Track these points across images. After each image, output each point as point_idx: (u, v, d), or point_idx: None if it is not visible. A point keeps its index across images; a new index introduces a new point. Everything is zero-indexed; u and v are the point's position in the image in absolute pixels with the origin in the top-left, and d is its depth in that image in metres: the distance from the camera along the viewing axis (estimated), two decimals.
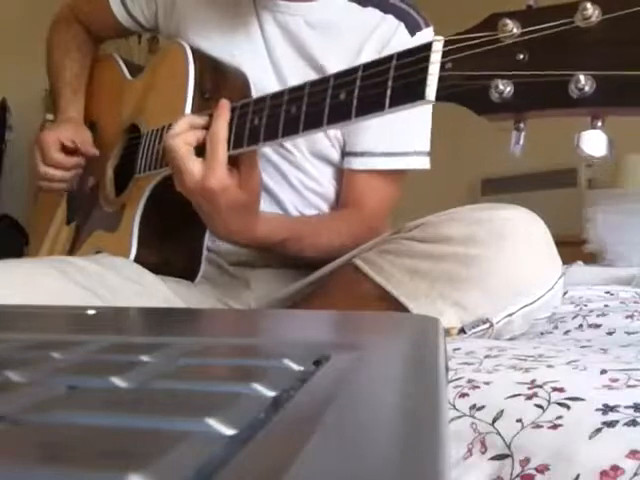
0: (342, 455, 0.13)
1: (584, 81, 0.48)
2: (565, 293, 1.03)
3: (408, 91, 0.59)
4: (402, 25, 0.98)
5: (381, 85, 0.61)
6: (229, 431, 0.14)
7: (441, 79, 0.56)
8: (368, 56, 0.97)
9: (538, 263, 0.78)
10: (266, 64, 0.99)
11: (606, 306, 0.99)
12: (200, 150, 0.77)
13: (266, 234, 0.86)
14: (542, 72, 0.51)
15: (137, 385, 0.18)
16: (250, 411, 0.15)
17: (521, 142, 0.54)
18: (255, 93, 0.94)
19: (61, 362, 0.21)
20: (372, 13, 0.99)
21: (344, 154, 1.00)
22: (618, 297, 1.10)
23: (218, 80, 0.94)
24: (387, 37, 0.98)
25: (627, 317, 0.89)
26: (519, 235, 0.77)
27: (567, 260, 1.12)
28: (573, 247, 1.89)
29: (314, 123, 0.67)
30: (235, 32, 1.00)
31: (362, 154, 0.98)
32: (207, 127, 0.77)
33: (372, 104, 0.62)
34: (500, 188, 2.92)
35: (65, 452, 0.12)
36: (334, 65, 0.97)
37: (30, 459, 0.12)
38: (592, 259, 1.99)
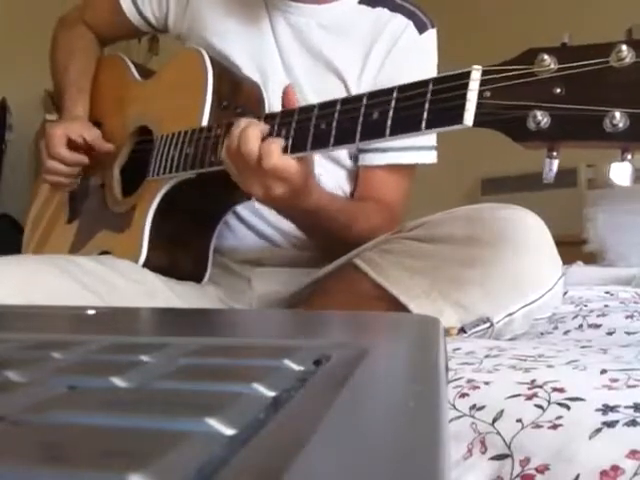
0: (342, 455, 0.13)
1: (619, 117, 0.52)
2: (565, 293, 1.03)
3: (446, 115, 0.62)
4: (411, 23, 1.00)
5: (418, 107, 0.64)
6: (229, 431, 0.14)
7: (479, 106, 0.60)
8: (379, 55, 0.99)
9: (538, 263, 0.78)
10: (277, 64, 1.00)
11: (606, 306, 0.99)
12: None
13: (317, 201, 0.83)
14: (580, 106, 0.54)
15: (137, 385, 0.18)
16: (250, 411, 0.15)
17: (554, 169, 0.58)
18: (267, 94, 0.95)
19: (61, 362, 0.21)
20: (381, 13, 1.01)
21: (359, 150, 1.01)
22: (618, 297, 1.10)
23: (234, 89, 0.95)
24: (396, 35, 0.99)
25: (627, 317, 0.89)
26: (519, 235, 0.77)
27: (567, 260, 1.12)
28: (573, 247, 1.89)
29: (346, 139, 0.70)
30: (247, 31, 1.01)
31: (376, 150, 0.99)
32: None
33: (408, 125, 0.65)
34: (500, 188, 2.92)
35: (65, 452, 0.12)
36: (345, 65, 0.98)
37: (30, 459, 0.12)
38: (592, 259, 1.99)
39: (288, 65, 1.00)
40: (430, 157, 1.02)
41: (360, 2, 1.02)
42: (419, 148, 1.00)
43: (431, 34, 1.02)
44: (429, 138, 1.01)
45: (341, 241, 0.92)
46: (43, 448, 0.12)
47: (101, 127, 1.11)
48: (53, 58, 1.19)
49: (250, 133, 0.75)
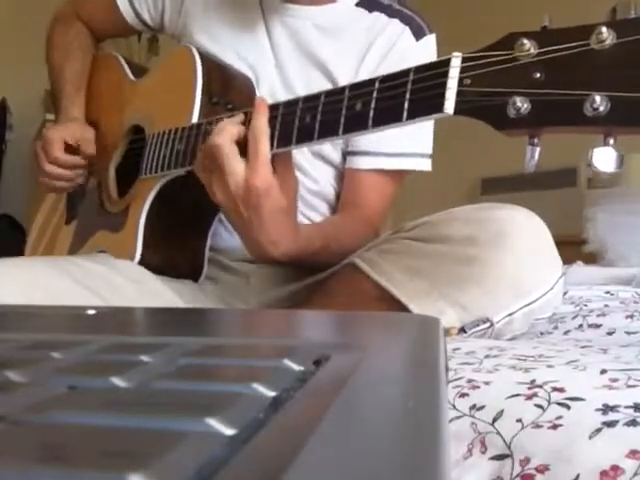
0: (342, 455, 0.13)
1: (599, 101, 0.51)
2: (565, 293, 1.03)
3: (426, 104, 0.61)
4: (407, 29, 1.00)
5: (399, 97, 0.63)
6: (229, 431, 0.14)
7: (459, 94, 0.59)
8: (373, 59, 0.98)
9: (538, 263, 0.78)
10: (271, 65, 1.00)
11: (606, 306, 0.99)
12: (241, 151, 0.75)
13: (304, 243, 0.80)
14: (559, 91, 0.53)
15: (137, 385, 0.18)
16: (250, 411, 0.15)
17: (536, 157, 0.57)
18: (260, 94, 0.94)
19: (61, 362, 0.21)
20: (378, 18, 1.01)
21: (347, 153, 1.00)
22: (618, 297, 1.10)
23: (225, 85, 0.94)
24: (393, 40, 0.99)
25: (627, 317, 0.89)
26: (519, 235, 0.77)
27: (567, 260, 1.12)
28: (573, 247, 1.89)
29: (329, 132, 0.69)
30: (242, 33, 1.01)
31: (366, 153, 0.99)
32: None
33: (390, 115, 0.64)
34: (500, 188, 2.92)
35: (65, 452, 0.12)
36: (339, 68, 0.98)
37: (30, 459, 0.12)
38: (592, 259, 1.99)
39: (281, 66, 1.00)
40: (422, 164, 1.00)
41: (357, 5, 1.02)
42: (410, 155, 0.99)
43: (429, 40, 1.01)
44: (422, 145, 1.00)
45: (332, 263, 0.91)
46: (43, 448, 0.12)
47: (96, 127, 1.12)
48: (49, 55, 1.18)
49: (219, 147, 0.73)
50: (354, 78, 0.98)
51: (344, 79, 0.98)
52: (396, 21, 1.00)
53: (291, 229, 0.77)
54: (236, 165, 0.72)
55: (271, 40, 1.00)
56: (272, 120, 0.74)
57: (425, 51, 1.01)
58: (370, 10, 1.01)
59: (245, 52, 1.00)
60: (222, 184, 0.73)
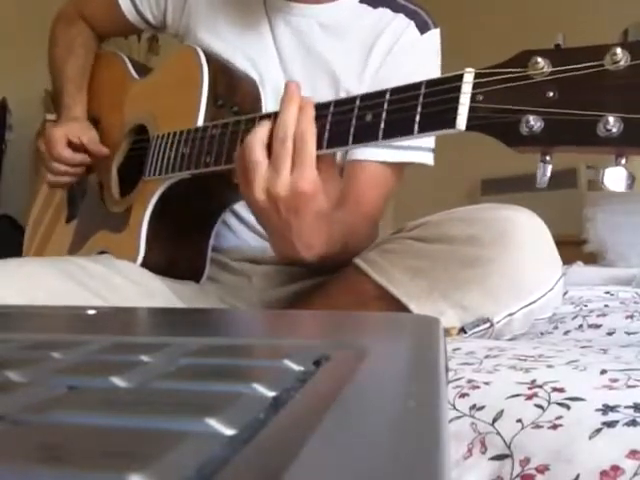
0: (342, 455, 0.13)
1: (613, 122, 0.51)
2: (565, 293, 1.03)
3: (438, 119, 0.61)
4: (412, 23, 1.00)
5: (410, 110, 0.63)
6: (229, 431, 0.14)
7: (472, 110, 0.59)
8: (378, 56, 0.98)
9: (538, 263, 0.78)
10: (275, 64, 0.99)
11: (606, 306, 0.99)
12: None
13: (332, 245, 0.77)
14: (572, 111, 0.53)
15: (137, 385, 0.18)
16: (250, 411, 0.15)
17: (548, 174, 0.58)
18: (264, 94, 0.94)
19: (61, 362, 0.21)
20: (383, 13, 1.00)
21: None
22: (618, 297, 1.10)
23: (230, 87, 0.94)
24: (397, 35, 0.99)
25: (627, 317, 0.89)
26: (519, 235, 0.77)
27: (567, 260, 1.12)
28: (573, 247, 1.89)
29: (338, 141, 0.68)
30: (246, 32, 1.00)
31: (367, 145, 0.98)
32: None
33: (401, 128, 0.64)
34: (500, 188, 2.92)
35: (65, 452, 0.12)
36: (344, 66, 0.98)
37: (30, 459, 0.12)
38: (592, 259, 1.99)
39: (285, 64, 1.00)
40: (424, 158, 0.99)
41: (361, 1, 1.01)
42: (413, 148, 0.98)
43: (433, 34, 1.01)
44: (425, 139, 1.00)
45: (343, 262, 0.88)
46: (43, 448, 0.12)
47: (99, 125, 1.11)
48: (51, 53, 1.18)
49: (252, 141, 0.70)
50: (361, 74, 0.98)
51: (348, 78, 0.98)
52: (401, 16, 1.00)
53: (327, 232, 0.75)
54: (282, 166, 0.69)
55: (275, 39, 1.00)
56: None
57: (429, 45, 1.01)
58: (375, 6, 1.01)
59: (249, 51, 0.99)
60: (263, 184, 0.70)
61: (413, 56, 0.99)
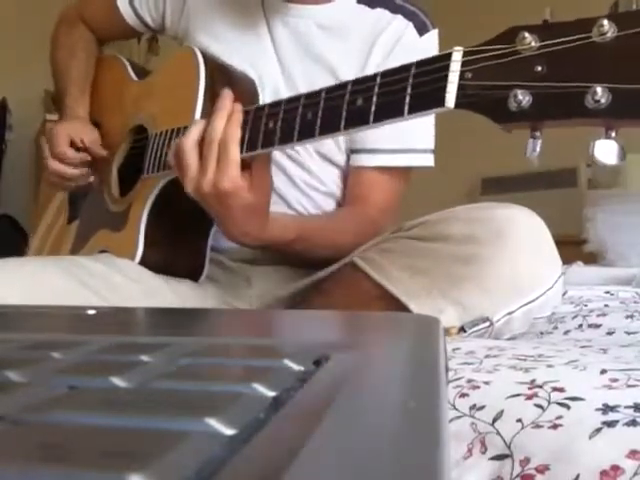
0: (342, 455, 0.13)
1: (600, 93, 0.50)
2: (565, 293, 1.03)
3: (427, 98, 0.61)
4: (411, 24, 1.00)
5: (400, 92, 0.63)
6: (229, 431, 0.14)
7: (460, 87, 0.58)
8: (378, 57, 0.98)
9: (538, 262, 0.78)
10: (274, 65, 0.99)
11: (606, 306, 0.99)
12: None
13: (277, 235, 0.85)
14: (560, 84, 0.53)
15: (137, 385, 0.18)
16: (250, 411, 0.15)
17: (537, 149, 0.57)
18: (263, 95, 0.94)
19: (61, 362, 0.21)
20: (381, 14, 1.00)
21: (351, 151, 1.00)
22: (618, 297, 1.10)
23: (228, 86, 0.94)
24: (397, 36, 0.99)
25: (627, 317, 0.89)
26: (519, 234, 0.77)
27: (567, 260, 1.12)
28: (573, 247, 1.89)
29: (331, 128, 0.69)
30: (244, 33, 1.00)
31: (370, 151, 0.99)
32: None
33: (391, 110, 0.64)
34: (500, 188, 2.92)
35: (65, 452, 0.12)
36: (343, 66, 0.98)
37: (30, 459, 0.12)
38: (592, 259, 1.99)
39: (285, 67, 1.00)
40: (425, 160, 1.00)
41: (359, 2, 1.01)
42: (413, 151, 0.99)
43: (431, 35, 1.01)
44: (424, 140, 1.00)
45: (324, 257, 0.92)
46: (43, 448, 0.12)
47: (100, 127, 1.12)
48: (53, 56, 1.19)
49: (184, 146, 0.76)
50: (360, 75, 0.98)
51: (348, 77, 0.98)
52: (400, 17, 1.00)
53: (261, 222, 0.81)
54: (208, 167, 0.76)
55: (273, 40, 1.00)
56: (274, 117, 0.74)
57: (428, 46, 1.01)
58: (372, 6, 1.01)
59: (247, 52, 1.00)
60: (194, 182, 0.77)
61: (412, 58, 0.99)
